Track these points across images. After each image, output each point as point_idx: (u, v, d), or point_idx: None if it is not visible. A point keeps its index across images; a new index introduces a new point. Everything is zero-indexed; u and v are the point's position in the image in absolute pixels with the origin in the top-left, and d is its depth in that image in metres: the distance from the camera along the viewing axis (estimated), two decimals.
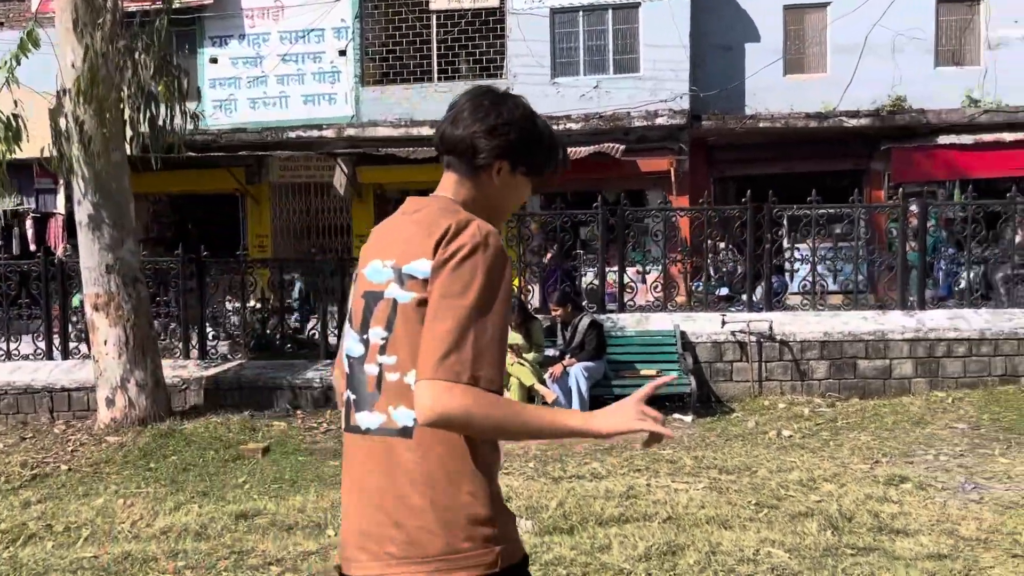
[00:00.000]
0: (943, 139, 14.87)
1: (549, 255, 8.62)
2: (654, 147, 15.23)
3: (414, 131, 15.50)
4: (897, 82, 15.16)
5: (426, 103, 15.82)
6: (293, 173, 16.86)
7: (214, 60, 16.84)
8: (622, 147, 14.68)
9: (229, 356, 8.74)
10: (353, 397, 1.71)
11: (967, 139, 14.72)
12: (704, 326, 8.00)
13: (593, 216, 8.31)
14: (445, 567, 1.56)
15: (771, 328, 7.76)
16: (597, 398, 7.26)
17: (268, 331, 8.72)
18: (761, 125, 15.18)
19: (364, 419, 1.68)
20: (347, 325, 1.77)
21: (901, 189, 13.33)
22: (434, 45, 16.11)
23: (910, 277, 8.10)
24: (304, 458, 6.57)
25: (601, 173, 15.32)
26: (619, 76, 15.51)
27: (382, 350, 1.66)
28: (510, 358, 7.11)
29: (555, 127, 14.26)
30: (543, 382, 7.13)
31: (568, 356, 7.48)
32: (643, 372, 7.54)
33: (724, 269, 10.31)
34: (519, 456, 6.41)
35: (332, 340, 8.62)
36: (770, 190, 8.37)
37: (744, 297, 8.44)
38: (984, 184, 12.58)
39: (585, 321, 7.35)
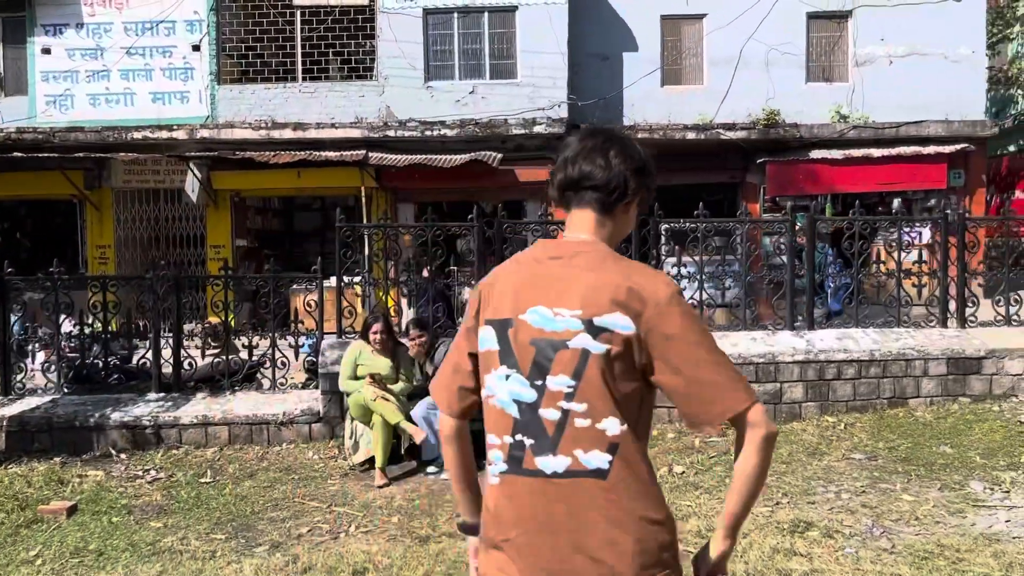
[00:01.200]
0: (815, 153, 15.00)
1: (426, 271, 7.75)
2: (532, 156, 14.64)
3: (275, 134, 14.35)
4: (771, 96, 15.23)
5: (289, 104, 14.70)
6: (139, 178, 15.31)
7: (47, 51, 15.11)
8: (499, 156, 14.03)
9: (42, 390, 7.42)
10: (530, 442, 1.81)
11: (837, 154, 14.90)
12: None
13: (468, 228, 7.52)
14: None
15: None
16: (475, 433, 6.46)
17: (89, 360, 7.45)
18: (640, 136, 14.84)
19: (547, 463, 1.79)
20: (500, 370, 1.85)
21: (790, 204, 13.26)
22: (298, 42, 15.00)
23: (797, 295, 7.73)
24: (119, 518, 5.45)
25: (477, 183, 14.65)
26: (496, 81, 14.89)
27: (568, 397, 1.78)
28: (372, 391, 6.22)
29: (429, 133, 13.49)
30: (411, 419, 6.27)
31: None
32: None
33: None
34: (380, 509, 5.53)
35: (167, 370, 7.46)
36: (652, 204, 7.89)
37: None
38: (852, 198, 12.59)
39: (443, 351, 6.55)
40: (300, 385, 7.64)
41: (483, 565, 1.90)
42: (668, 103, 15.39)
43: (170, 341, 7.40)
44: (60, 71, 15.03)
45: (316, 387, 7.45)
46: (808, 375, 7.35)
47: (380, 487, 5.96)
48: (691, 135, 14.93)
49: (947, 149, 14.80)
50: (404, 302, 8.27)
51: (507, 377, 1.84)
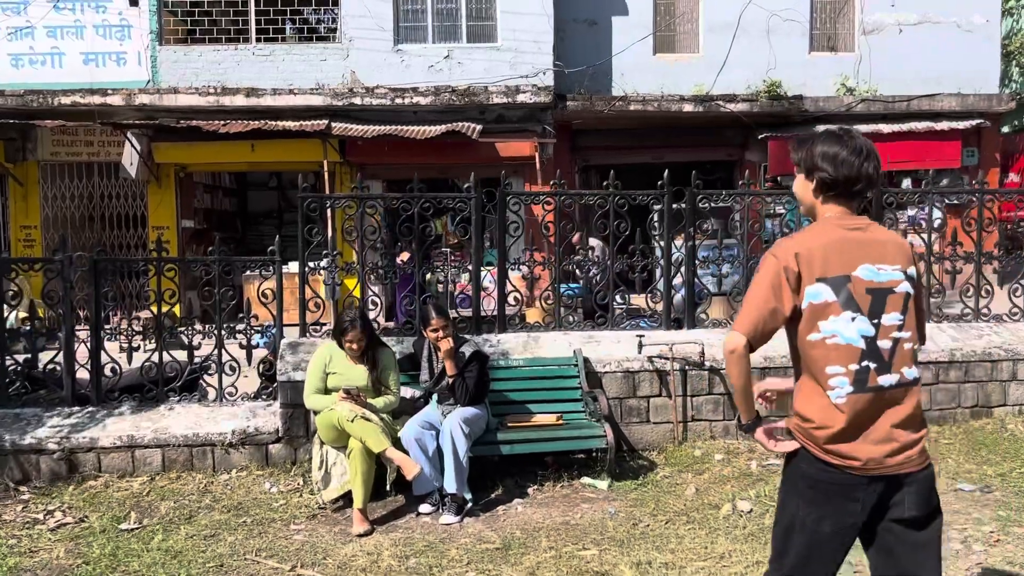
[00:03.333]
0: (821, 128, 13.71)
1: (406, 255, 6.32)
2: (514, 128, 13.22)
3: (226, 100, 12.68)
4: (772, 66, 13.97)
5: (241, 68, 13.03)
6: (69, 149, 13.54)
7: None
8: (479, 127, 12.54)
9: None
10: (874, 365, 2.39)
11: None
12: (612, 350, 5.98)
13: (465, 201, 6.10)
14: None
15: (703, 353, 5.85)
16: (477, 460, 5.06)
17: None
18: (632, 108, 13.55)
19: (885, 379, 2.41)
20: (844, 315, 2.38)
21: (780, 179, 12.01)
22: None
23: None
24: None
25: (454, 157, 13.13)
26: (474, 45, 13.40)
27: (900, 328, 2.43)
28: (348, 409, 4.77)
29: (400, 101, 11.92)
30: (398, 443, 4.84)
31: (437, 401, 5.23)
32: (538, 418, 5.42)
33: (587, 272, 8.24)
34: (364, 573, 4.10)
35: (84, 374, 5.93)
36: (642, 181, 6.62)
37: (646, 309, 6.50)
38: None
39: (466, 351, 5.12)
40: (253, 395, 6.16)
41: (832, 453, 2.40)
42: (661, 72, 14.06)
43: (87, 341, 5.85)
44: None
45: (273, 397, 5.98)
46: None
47: (361, 535, 4.53)
48: (688, 107, 13.62)
49: (961, 125, 13.72)
50: (375, 290, 6.83)
51: (852, 319, 2.39)
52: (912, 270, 2.47)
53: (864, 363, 2.36)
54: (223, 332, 6.00)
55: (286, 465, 5.63)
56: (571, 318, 6.57)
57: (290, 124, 12.28)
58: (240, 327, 6.08)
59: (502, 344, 6.02)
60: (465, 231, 6.21)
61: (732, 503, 4.80)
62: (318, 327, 6.07)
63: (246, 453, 5.66)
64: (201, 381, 6.26)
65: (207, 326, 6.08)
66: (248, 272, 11.26)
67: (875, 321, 2.38)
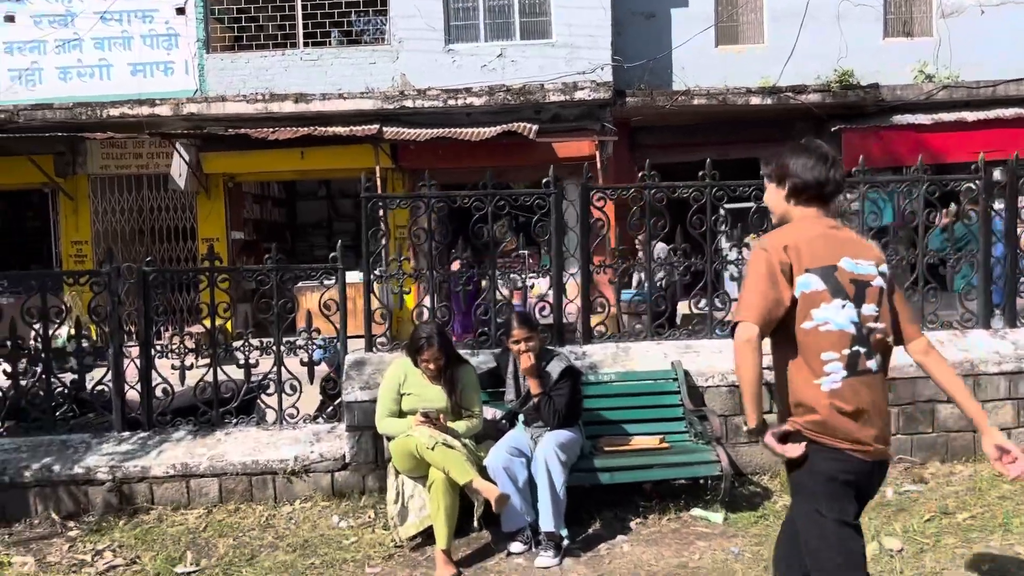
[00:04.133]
0: (899, 119, 12.93)
1: (457, 263, 5.76)
2: (572, 127, 12.62)
3: (274, 107, 12.30)
4: (843, 55, 13.16)
5: (289, 73, 12.66)
6: (118, 162, 13.29)
7: (10, 18, 13.05)
8: (535, 127, 11.97)
9: None
10: (863, 350, 2.53)
11: (925, 119, 12.83)
12: (713, 361, 5.30)
13: (544, 198, 5.51)
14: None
15: None
16: (571, 489, 4.42)
17: (27, 386, 5.44)
18: (696, 102, 12.85)
19: (872, 363, 2.56)
20: (835, 302, 2.52)
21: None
22: (299, 3, 12.93)
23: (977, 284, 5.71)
24: None
25: (509, 159, 12.55)
26: (528, 43, 12.85)
27: (875, 320, 2.58)
28: (427, 434, 4.18)
29: (452, 103, 11.36)
30: (483, 472, 4.24)
31: (524, 423, 4.63)
32: (637, 440, 4.78)
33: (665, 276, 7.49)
34: None
35: (133, 395, 5.46)
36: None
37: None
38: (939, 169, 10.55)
39: (557, 366, 4.51)
40: (314, 417, 5.61)
41: (839, 438, 2.50)
42: (724, 65, 13.34)
43: (136, 360, 5.37)
44: (24, 41, 12.99)
45: (337, 420, 5.44)
46: (1019, 390, 5.32)
47: None
48: (755, 100, 12.88)
49: None
50: (429, 300, 6.27)
51: (843, 306, 2.53)
52: (884, 268, 2.63)
53: (855, 348, 2.51)
54: (281, 347, 5.47)
55: (354, 495, 5.07)
56: (636, 326, 5.91)
57: (340, 130, 11.84)
58: (300, 341, 5.54)
59: (589, 356, 5.39)
60: (542, 231, 5.59)
61: (877, 540, 4.10)
62: (385, 341, 5.50)
63: (310, 482, 5.11)
64: (259, 402, 5.74)
65: (263, 341, 5.55)
66: (303, 283, 10.89)
67: (858, 310, 2.54)
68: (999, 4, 13.21)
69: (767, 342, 2.58)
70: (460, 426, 4.40)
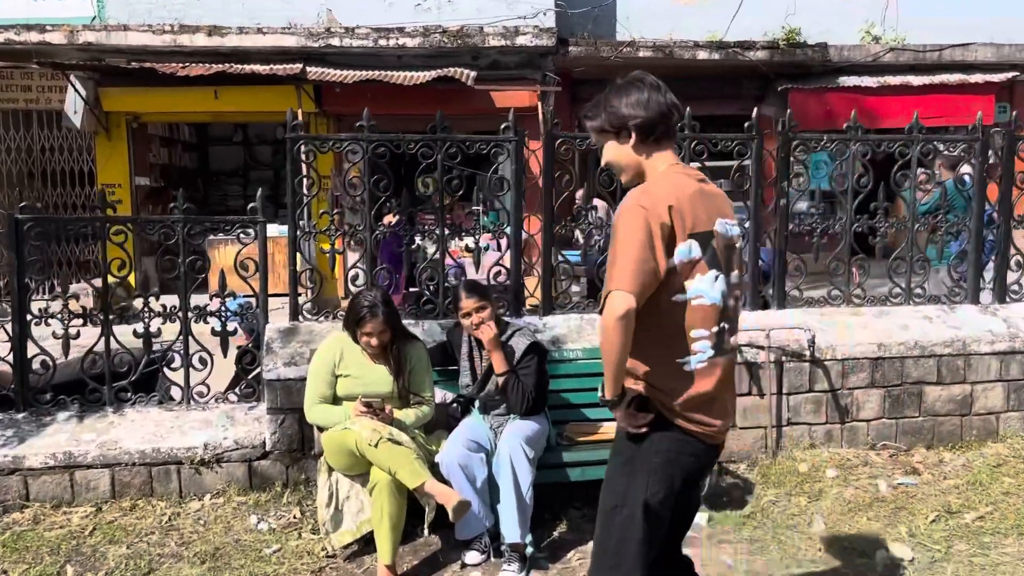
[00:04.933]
0: (846, 80, 12.59)
1: (393, 216, 5.03)
2: (513, 75, 11.81)
3: (184, 39, 11.05)
4: (791, 12, 12.68)
5: (201, 3, 11.40)
6: (4, 95, 11.84)
7: None
8: (473, 74, 11.12)
9: None
10: (728, 327, 2.31)
11: (871, 81, 12.52)
12: None
13: (502, 145, 4.80)
14: None
15: (813, 341, 4.63)
16: (537, 487, 3.77)
17: None
18: (642, 54, 12.16)
19: (734, 340, 2.38)
20: (710, 273, 2.25)
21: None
22: None
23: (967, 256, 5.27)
24: None
25: (444, 107, 11.51)
26: None
27: (738, 288, 2.38)
28: (370, 428, 3.46)
29: (384, 43, 10.35)
30: (436, 469, 3.56)
31: (481, 410, 3.95)
32: (607, 428, 4.16)
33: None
34: None
35: (5, 368, 4.55)
36: None
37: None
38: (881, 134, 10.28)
39: (520, 342, 3.82)
40: (226, 394, 4.81)
41: (693, 421, 2.28)
42: (670, 17, 12.71)
43: (8, 326, 4.45)
44: None
45: (256, 398, 4.65)
46: (1011, 372, 4.93)
47: None
48: (703, 55, 12.29)
49: (996, 78, 12.60)
50: (353, 259, 5.53)
51: (716, 278, 2.26)
52: (738, 226, 2.42)
53: (722, 324, 2.30)
54: (188, 312, 4.62)
55: (276, 488, 4.32)
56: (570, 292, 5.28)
57: (259, 68, 10.73)
58: (213, 306, 4.70)
59: (550, 329, 4.72)
60: (497, 185, 4.87)
61: (884, 548, 3.61)
62: (312, 307, 4.72)
63: (223, 473, 4.34)
64: (162, 375, 4.89)
65: (168, 305, 4.67)
66: (215, 236, 9.85)
67: (727, 279, 2.31)
68: None
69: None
70: (408, 415, 3.70)
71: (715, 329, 2.26)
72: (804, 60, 12.53)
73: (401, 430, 3.56)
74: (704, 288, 2.23)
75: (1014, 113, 5.51)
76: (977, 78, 12.63)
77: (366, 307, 3.68)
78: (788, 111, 5.40)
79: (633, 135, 2.29)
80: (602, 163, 2.50)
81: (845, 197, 5.10)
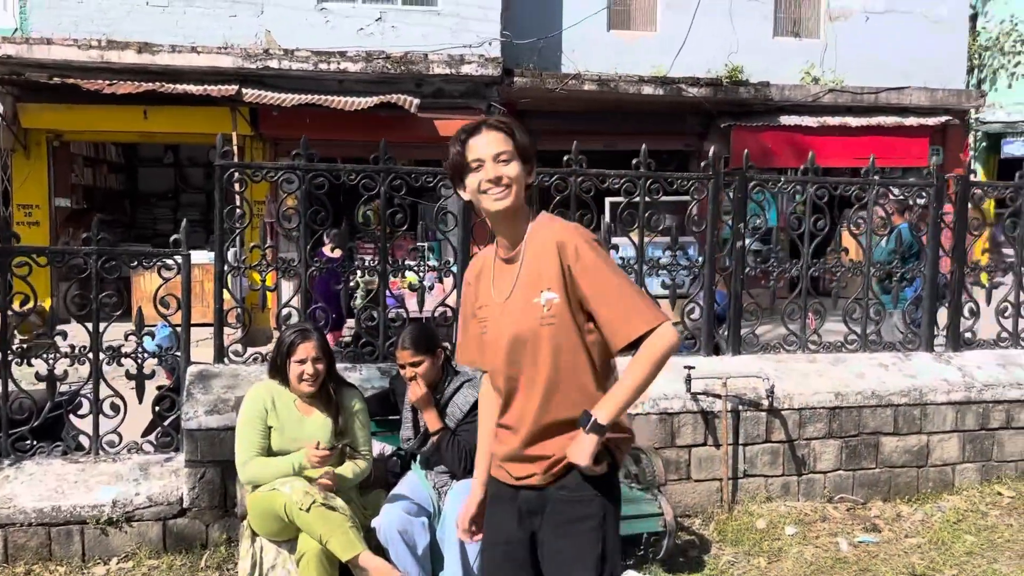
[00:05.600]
0: (787, 119, 12.74)
1: (332, 247, 4.72)
2: (457, 104, 11.59)
3: (112, 56, 10.55)
4: (734, 50, 12.83)
5: (132, 19, 10.93)
6: None
7: None
8: (417, 101, 10.88)
9: None
10: None
11: (812, 122, 12.70)
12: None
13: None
14: None
15: (772, 391, 4.44)
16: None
17: None
18: (587, 87, 12.12)
19: None
20: None
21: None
22: None
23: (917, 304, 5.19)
24: None
25: (385, 134, 11.11)
26: (410, 7, 11.74)
27: None
28: (302, 491, 3.11)
29: (324, 67, 9.96)
30: (372, 534, 3.22)
31: (423, 464, 3.63)
32: None
33: None
34: None
35: None
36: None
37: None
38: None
39: (468, 395, 3.50)
40: (140, 444, 4.37)
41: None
42: (616, 50, 12.73)
43: None
44: None
45: (174, 448, 4.24)
46: (966, 422, 4.82)
47: None
48: (648, 89, 12.29)
49: (931, 121, 12.94)
50: (288, 290, 5.20)
51: None
52: None
53: None
54: (100, 353, 4.19)
55: (195, 550, 3.91)
56: None
57: (192, 88, 10.30)
58: (129, 347, 4.27)
59: None
60: (440, 220, 4.59)
61: None
62: (240, 350, 4.35)
63: (133, 533, 3.91)
64: (68, 422, 4.43)
65: (76, 346, 4.23)
66: (139, 264, 9.29)
67: None
68: (883, 12, 13.27)
69: (571, 342, 2.09)
70: (346, 470, 3.35)
71: None
72: (746, 98, 12.65)
73: (339, 490, 3.20)
74: None
75: (968, 160, 5.44)
76: (912, 121, 12.94)
77: (295, 331, 3.34)
78: (746, 151, 5.26)
79: (531, 165, 2.21)
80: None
81: (801, 240, 4.95)
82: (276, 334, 4.33)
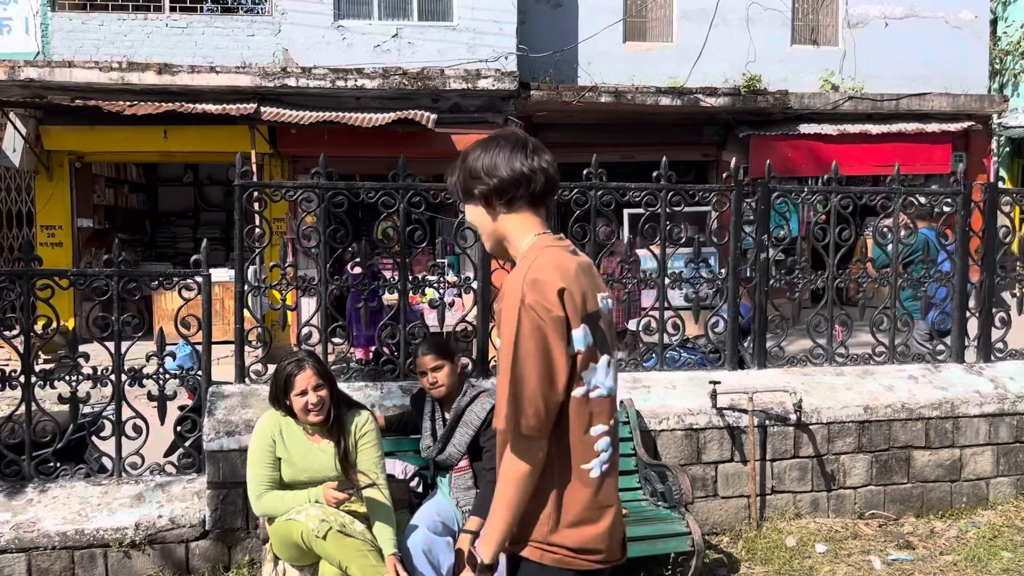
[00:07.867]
0: (806, 128, 12.64)
1: (354, 265, 4.72)
2: (473, 119, 11.60)
3: (132, 77, 10.64)
4: (751, 59, 12.77)
5: (152, 41, 11.06)
6: None
7: None
8: (434, 116, 10.89)
9: None
10: (615, 422, 1.96)
11: (831, 129, 12.59)
12: (666, 399, 4.42)
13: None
14: None
15: (799, 405, 4.36)
16: None
17: None
18: (603, 99, 12.08)
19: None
20: (603, 359, 1.89)
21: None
22: None
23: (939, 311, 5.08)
24: None
25: (403, 150, 11.28)
26: (426, 23, 11.76)
27: (616, 369, 1.98)
28: (319, 518, 3.07)
29: (341, 84, 10.03)
30: (397, 554, 3.17)
31: (444, 475, 3.58)
32: None
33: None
34: None
35: None
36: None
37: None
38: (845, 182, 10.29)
39: (483, 403, 3.46)
40: (164, 466, 4.36)
41: (580, 539, 1.83)
42: (632, 62, 12.70)
43: None
44: None
45: (196, 469, 4.22)
46: (1000, 435, 4.71)
47: None
48: (665, 100, 12.23)
49: (953, 127, 12.79)
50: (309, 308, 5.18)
51: (608, 363, 1.91)
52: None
53: (614, 416, 1.97)
54: (122, 375, 4.19)
55: (218, 573, 3.88)
56: None
57: (211, 107, 10.37)
58: (150, 368, 4.27)
59: None
60: (462, 236, 4.56)
61: None
62: (261, 370, 4.33)
63: (156, 556, 3.89)
64: (91, 445, 4.43)
65: (100, 367, 4.23)
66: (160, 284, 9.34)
67: (613, 362, 1.97)
68: (902, 17, 13.16)
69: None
70: (376, 493, 3.29)
71: (612, 422, 1.92)
72: (765, 107, 12.57)
73: (354, 524, 3.14)
74: (599, 377, 1.88)
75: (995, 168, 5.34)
76: (934, 127, 12.80)
77: (290, 363, 3.29)
78: (768, 162, 5.18)
79: (481, 200, 1.93)
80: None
81: (826, 251, 4.87)
82: (297, 346, 4.32)
